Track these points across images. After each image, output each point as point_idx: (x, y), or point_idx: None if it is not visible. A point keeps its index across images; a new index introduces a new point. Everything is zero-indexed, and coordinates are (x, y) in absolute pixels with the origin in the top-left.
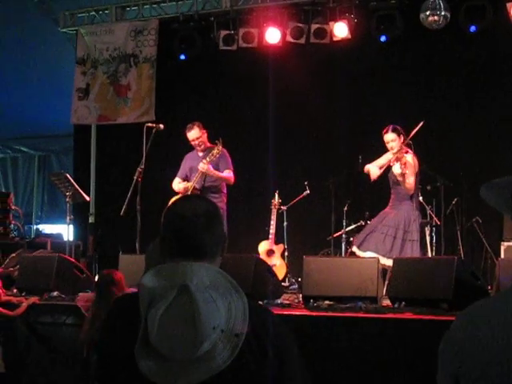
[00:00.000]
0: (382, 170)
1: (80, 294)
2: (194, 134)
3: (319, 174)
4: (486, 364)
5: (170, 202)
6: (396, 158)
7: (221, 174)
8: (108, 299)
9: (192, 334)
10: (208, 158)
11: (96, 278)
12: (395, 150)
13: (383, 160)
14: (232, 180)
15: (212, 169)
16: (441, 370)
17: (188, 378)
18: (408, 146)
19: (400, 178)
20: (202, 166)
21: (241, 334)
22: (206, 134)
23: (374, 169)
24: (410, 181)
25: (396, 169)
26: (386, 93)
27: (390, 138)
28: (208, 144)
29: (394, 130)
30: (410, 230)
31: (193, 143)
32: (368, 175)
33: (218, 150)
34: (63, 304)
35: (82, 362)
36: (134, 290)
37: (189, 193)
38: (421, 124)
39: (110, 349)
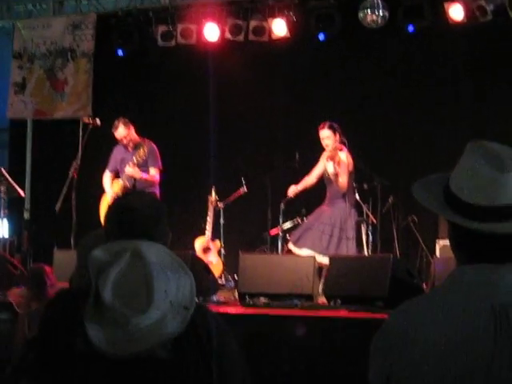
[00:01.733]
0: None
1: (12, 289)
2: (120, 132)
3: (256, 170)
4: (416, 363)
5: (114, 197)
6: (330, 157)
7: (145, 177)
8: (42, 293)
9: (145, 292)
10: (134, 159)
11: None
12: (330, 148)
13: (320, 164)
14: (157, 180)
15: (138, 172)
16: (372, 368)
17: (137, 345)
18: (342, 143)
19: (333, 178)
20: (128, 169)
21: (189, 307)
22: (132, 130)
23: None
24: (343, 179)
25: (329, 168)
26: (324, 90)
27: (326, 134)
28: (137, 139)
29: (329, 127)
30: (346, 227)
31: (121, 142)
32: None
33: (144, 151)
34: None
35: (16, 359)
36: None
37: (119, 192)
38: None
39: (50, 343)
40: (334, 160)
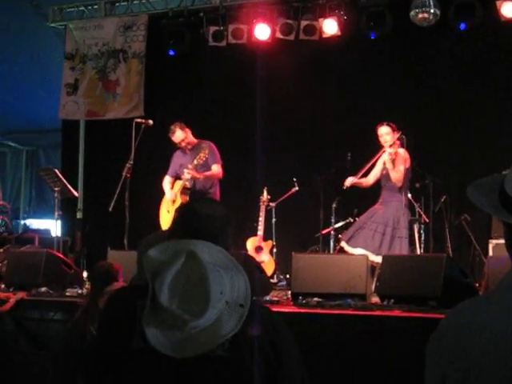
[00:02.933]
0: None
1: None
2: (178, 136)
3: (308, 170)
4: (473, 365)
5: (185, 202)
6: (389, 151)
7: (207, 173)
8: (106, 291)
9: (202, 295)
10: (195, 161)
11: (84, 273)
12: (388, 143)
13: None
14: (220, 174)
15: (196, 174)
16: (428, 370)
17: (196, 347)
18: (401, 141)
19: (390, 165)
20: (186, 176)
21: (245, 305)
22: (189, 132)
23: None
24: (400, 169)
25: (388, 152)
26: (375, 90)
27: (385, 131)
28: (194, 141)
29: (388, 125)
30: (399, 227)
31: (179, 145)
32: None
33: (205, 153)
34: (51, 300)
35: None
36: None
37: (179, 193)
38: (398, 134)
39: (109, 339)
40: (391, 153)
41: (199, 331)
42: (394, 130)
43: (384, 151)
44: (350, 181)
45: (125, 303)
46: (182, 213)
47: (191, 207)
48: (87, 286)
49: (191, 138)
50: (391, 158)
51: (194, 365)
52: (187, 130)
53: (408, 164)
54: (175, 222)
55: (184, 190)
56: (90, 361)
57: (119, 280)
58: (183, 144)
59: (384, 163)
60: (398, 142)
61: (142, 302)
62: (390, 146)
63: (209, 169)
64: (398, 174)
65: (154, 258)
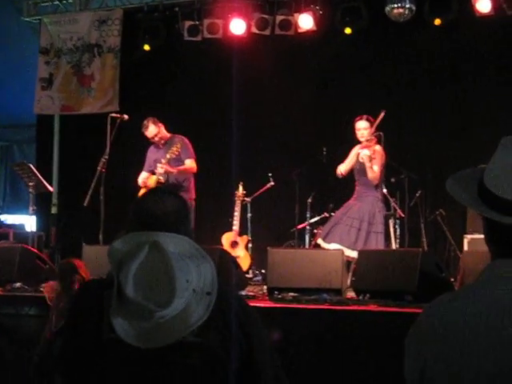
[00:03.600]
0: (350, 164)
1: (46, 283)
2: (151, 131)
3: (283, 165)
4: (450, 359)
5: (139, 196)
6: (365, 146)
7: (181, 168)
8: (72, 287)
9: (167, 284)
10: (168, 155)
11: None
12: (365, 138)
13: (352, 153)
14: (194, 169)
15: (169, 168)
16: (407, 364)
17: (163, 337)
18: (377, 137)
19: (368, 164)
20: (159, 170)
21: (212, 292)
22: (162, 127)
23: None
24: (376, 169)
25: (365, 153)
26: (350, 85)
27: (363, 125)
28: (167, 135)
29: (367, 120)
30: (375, 222)
31: (152, 140)
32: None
33: (177, 147)
34: (26, 295)
35: (44, 352)
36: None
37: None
38: (382, 114)
39: (78, 331)
40: (369, 148)
41: (167, 321)
42: (371, 126)
43: (363, 147)
44: (343, 168)
45: (92, 295)
46: (133, 212)
47: (141, 206)
48: None
49: (164, 133)
50: (369, 157)
51: (163, 351)
52: (160, 124)
53: (383, 160)
54: (130, 220)
55: (158, 185)
56: (63, 356)
57: (83, 275)
58: (156, 139)
59: (357, 157)
60: (374, 139)
61: (108, 292)
62: (367, 140)
63: (182, 163)
64: (374, 174)
65: (118, 250)
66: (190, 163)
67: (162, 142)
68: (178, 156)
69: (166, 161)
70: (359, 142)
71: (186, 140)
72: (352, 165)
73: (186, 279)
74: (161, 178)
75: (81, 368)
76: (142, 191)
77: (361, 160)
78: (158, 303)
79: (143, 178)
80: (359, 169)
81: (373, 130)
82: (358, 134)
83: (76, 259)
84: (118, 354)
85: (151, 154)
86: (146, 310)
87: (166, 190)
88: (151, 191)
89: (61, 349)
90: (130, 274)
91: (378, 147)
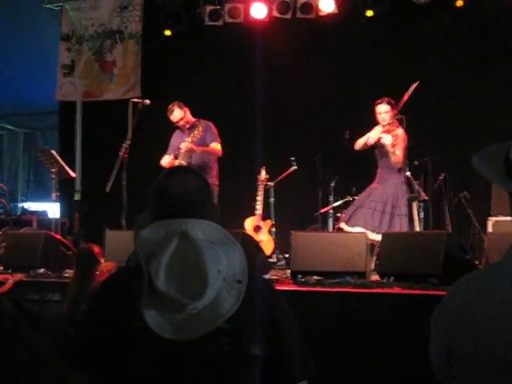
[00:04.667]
0: (365, 143)
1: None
2: (176, 115)
3: (306, 149)
4: (477, 340)
5: (160, 175)
6: (387, 130)
7: (205, 148)
8: (90, 274)
9: (199, 276)
10: (190, 138)
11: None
12: (387, 122)
13: (373, 133)
14: (220, 152)
15: (194, 147)
16: (433, 344)
17: (196, 328)
18: (399, 121)
19: (391, 149)
20: (185, 145)
21: (243, 280)
22: (188, 112)
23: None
24: (398, 153)
25: (387, 139)
26: (372, 68)
27: (384, 109)
28: (192, 120)
29: (388, 103)
30: (398, 204)
31: (177, 124)
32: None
33: (198, 130)
34: (50, 281)
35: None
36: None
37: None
38: (414, 85)
39: (104, 320)
40: (390, 133)
41: (199, 312)
42: (393, 108)
43: (383, 132)
44: (358, 144)
45: (121, 284)
46: (155, 192)
47: (163, 186)
48: None
49: (189, 117)
50: (392, 144)
51: (194, 339)
52: (185, 109)
53: (406, 143)
54: (151, 201)
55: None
56: (82, 345)
57: (101, 260)
58: (181, 123)
59: (377, 140)
60: (396, 122)
61: (137, 282)
62: (388, 124)
63: (207, 146)
64: (397, 158)
65: (147, 239)
66: (215, 145)
67: (187, 126)
68: (203, 139)
69: (191, 139)
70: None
71: (211, 124)
72: (369, 144)
73: (217, 269)
74: (183, 162)
75: (107, 357)
76: None
77: (383, 143)
78: (191, 296)
79: (167, 160)
80: (381, 152)
81: (395, 113)
82: (379, 118)
83: (94, 245)
84: (148, 343)
85: (176, 138)
86: (179, 303)
87: (187, 168)
88: (172, 170)
89: (80, 338)
90: (161, 266)
91: (399, 131)
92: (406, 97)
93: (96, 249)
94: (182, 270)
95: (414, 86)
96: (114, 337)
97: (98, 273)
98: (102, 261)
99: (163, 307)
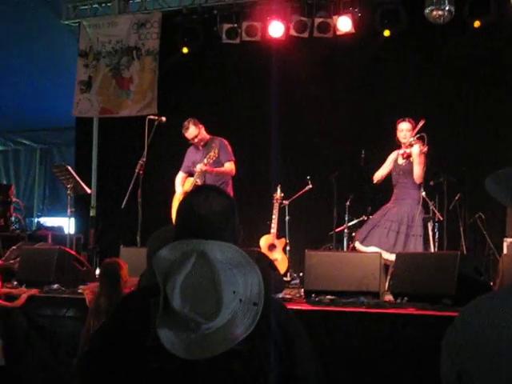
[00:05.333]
0: (387, 169)
1: (87, 285)
2: (191, 132)
3: (322, 168)
4: (488, 362)
5: (184, 195)
6: (410, 144)
7: (221, 169)
8: (114, 289)
9: (214, 296)
10: (205, 160)
11: (97, 270)
12: (407, 140)
13: (389, 162)
14: (233, 172)
15: (209, 168)
16: (444, 366)
17: (209, 348)
18: (421, 139)
19: (416, 160)
20: (200, 167)
21: (259, 303)
22: (203, 129)
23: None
24: (421, 168)
25: (415, 149)
26: (389, 88)
27: (406, 127)
28: (207, 137)
29: (409, 121)
30: (414, 224)
31: (192, 141)
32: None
33: (215, 152)
34: (64, 296)
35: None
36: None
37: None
38: (421, 123)
39: (120, 335)
40: (421, 149)
41: (213, 332)
42: (413, 128)
43: (408, 147)
44: (379, 174)
45: (139, 301)
46: (179, 212)
47: (187, 206)
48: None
49: (204, 135)
50: (420, 152)
51: (206, 359)
52: (200, 126)
53: (426, 162)
54: (176, 220)
55: (194, 188)
56: (96, 361)
57: (124, 277)
58: (196, 140)
59: (395, 161)
60: (417, 141)
61: (154, 300)
62: (410, 144)
63: (222, 165)
64: (419, 173)
65: (165, 259)
66: (229, 166)
67: (202, 143)
68: (218, 158)
69: (206, 161)
70: (398, 146)
71: (226, 142)
72: (390, 170)
73: (232, 290)
74: (198, 180)
75: (119, 373)
76: (176, 197)
77: (411, 152)
78: (205, 316)
79: (182, 179)
80: (399, 170)
81: (413, 134)
82: (401, 136)
83: (121, 260)
84: (161, 361)
85: (190, 154)
86: (193, 322)
87: (213, 188)
88: (197, 189)
89: (91, 351)
90: (177, 285)
91: (424, 148)
92: (413, 133)
93: (121, 264)
94: (198, 290)
95: (420, 124)
96: (126, 352)
97: (125, 288)
98: (127, 278)
99: (178, 326)
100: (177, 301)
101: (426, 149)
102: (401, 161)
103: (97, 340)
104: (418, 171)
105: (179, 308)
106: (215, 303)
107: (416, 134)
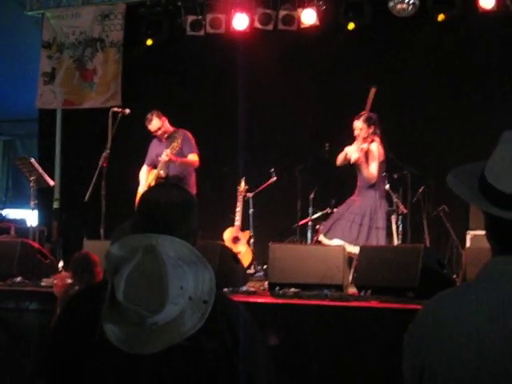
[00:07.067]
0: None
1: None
2: (154, 124)
3: (286, 161)
4: (451, 357)
5: (146, 189)
6: (362, 148)
7: (183, 159)
8: (83, 281)
9: (159, 290)
10: (169, 150)
11: (60, 263)
12: (360, 138)
13: (351, 148)
14: (197, 163)
15: (173, 157)
16: (406, 361)
17: (154, 343)
18: (377, 134)
19: (362, 165)
20: (164, 156)
21: (209, 301)
22: (166, 121)
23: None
24: (372, 168)
25: (353, 156)
26: (353, 81)
27: (357, 125)
28: (170, 129)
29: (364, 120)
30: (376, 217)
31: (155, 134)
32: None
33: (178, 142)
34: (27, 289)
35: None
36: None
37: (153, 182)
38: (372, 91)
39: (69, 332)
40: (362, 150)
41: (159, 327)
42: (369, 124)
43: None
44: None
45: (88, 297)
46: (139, 203)
47: (148, 195)
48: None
49: (167, 127)
50: (358, 159)
51: (152, 354)
52: (164, 118)
53: (382, 157)
54: (136, 212)
55: (158, 180)
56: (49, 356)
57: (95, 272)
58: (159, 132)
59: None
60: (370, 138)
61: (105, 294)
62: (364, 138)
63: (185, 158)
64: (370, 175)
65: (115, 254)
66: (192, 157)
67: (165, 135)
68: (181, 150)
69: (170, 151)
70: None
71: (189, 134)
72: (348, 159)
73: (180, 286)
74: (161, 172)
75: (67, 369)
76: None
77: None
78: (149, 308)
79: (144, 171)
80: (357, 166)
81: (373, 129)
82: (355, 134)
83: (93, 254)
84: (106, 355)
85: (153, 147)
86: (137, 315)
87: (177, 184)
88: (160, 183)
89: (47, 349)
90: (123, 278)
91: (373, 146)
92: (368, 105)
93: (93, 258)
94: (143, 283)
95: (371, 93)
96: (76, 348)
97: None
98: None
99: (123, 320)
100: (121, 293)
101: (371, 156)
102: (354, 157)
103: (50, 335)
104: (365, 174)
105: (123, 300)
106: (160, 296)
107: (374, 130)
